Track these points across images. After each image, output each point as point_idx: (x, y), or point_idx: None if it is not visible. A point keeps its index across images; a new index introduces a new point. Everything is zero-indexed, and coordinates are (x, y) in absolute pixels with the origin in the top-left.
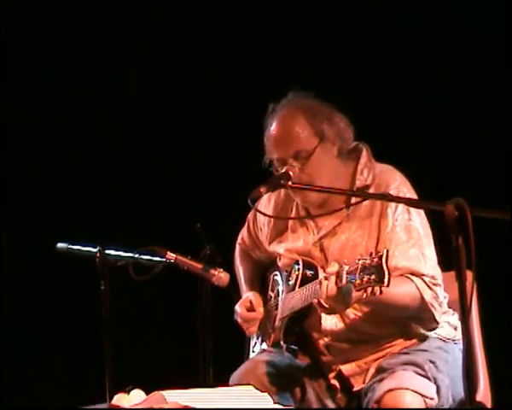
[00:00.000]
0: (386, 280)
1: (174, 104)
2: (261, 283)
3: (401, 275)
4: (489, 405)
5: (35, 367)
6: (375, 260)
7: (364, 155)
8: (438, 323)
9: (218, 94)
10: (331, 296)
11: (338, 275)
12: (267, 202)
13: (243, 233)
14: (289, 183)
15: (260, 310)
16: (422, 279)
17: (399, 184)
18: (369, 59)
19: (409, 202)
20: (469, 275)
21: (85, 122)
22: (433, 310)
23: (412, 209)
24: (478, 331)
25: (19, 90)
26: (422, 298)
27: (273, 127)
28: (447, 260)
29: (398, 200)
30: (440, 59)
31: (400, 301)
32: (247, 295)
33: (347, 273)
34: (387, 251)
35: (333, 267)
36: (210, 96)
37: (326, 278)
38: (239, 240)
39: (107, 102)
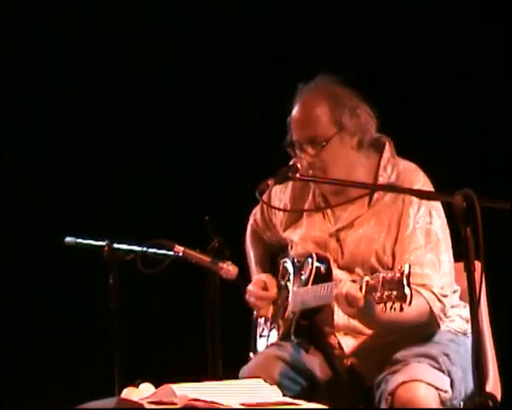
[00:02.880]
0: (408, 299)
1: (182, 94)
2: (271, 267)
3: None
4: (498, 396)
5: (44, 360)
6: (397, 275)
7: (387, 149)
8: (439, 327)
9: (228, 84)
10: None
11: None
12: (284, 187)
13: (256, 215)
14: (297, 175)
15: (274, 291)
16: (432, 292)
17: (422, 185)
18: (380, 49)
19: (417, 194)
20: (478, 266)
21: (94, 115)
22: (439, 321)
23: (434, 212)
24: (487, 322)
25: (24, 81)
26: (432, 312)
27: (295, 109)
28: (456, 251)
29: (408, 191)
30: (450, 51)
31: (411, 318)
32: (260, 276)
33: (367, 285)
34: (410, 266)
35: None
36: (220, 85)
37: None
38: (251, 220)
39: (112, 95)
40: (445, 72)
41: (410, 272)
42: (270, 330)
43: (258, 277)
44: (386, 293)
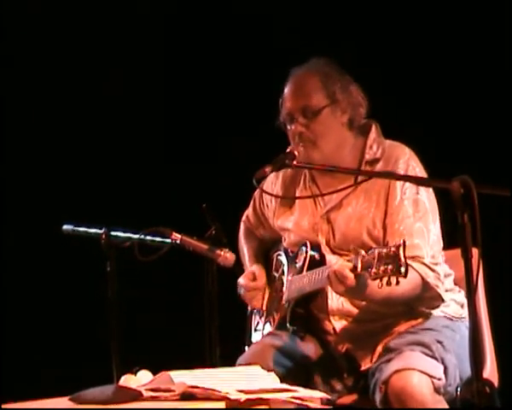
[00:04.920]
0: (403, 270)
1: (177, 88)
2: (264, 263)
3: None
4: (496, 382)
5: (42, 348)
6: (393, 249)
7: (374, 130)
8: (443, 300)
9: (222, 76)
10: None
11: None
12: (275, 178)
13: (248, 211)
14: (294, 162)
15: (263, 281)
16: (423, 263)
17: (409, 159)
18: (376, 40)
19: (415, 180)
20: (475, 252)
21: (91, 102)
22: (438, 290)
23: None
24: (484, 308)
25: (22, 75)
26: (426, 282)
27: (288, 84)
28: (453, 237)
29: (404, 178)
30: (445, 40)
31: (404, 292)
32: (251, 268)
33: (362, 262)
34: (404, 241)
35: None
36: (213, 77)
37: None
38: (244, 218)
39: (109, 88)
40: (443, 58)
41: (404, 245)
42: (265, 324)
43: (248, 270)
44: (382, 268)
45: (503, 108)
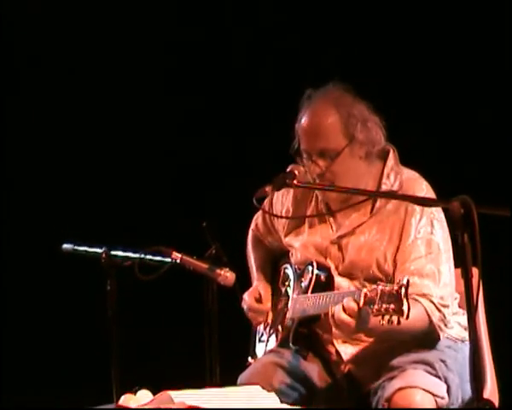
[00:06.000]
0: (405, 312)
1: (178, 103)
2: (272, 272)
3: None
4: (496, 402)
5: (41, 368)
6: (395, 288)
7: (391, 157)
8: (439, 338)
9: (225, 91)
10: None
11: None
12: (286, 192)
13: (258, 220)
14: (294, 181)
15: (268, 305)
16: (431, 301)
17: (425, 195)
18: (379, 55)
19: (415, 200)
20: (475, 272)
21: (91, 123)
22: (439, 331)
23: (436, 222)
24: (484, 328)
25: (24, 87)
26: (431, 321)
27: (305, 118)
28: (453, 257)
29: (407, 198)
30: (447, 56)
31: (409, 326)
32: (257, 284)
33: (365, 297)
34: (408, 281)
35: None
36: (218, 90)
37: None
38: (252, 226)
39: (111, 102)
40: (445, 76)
41: (408, 285)
42: (270, 336)
43: (254, 286)
44: (384, 306)
45: (505, 127)
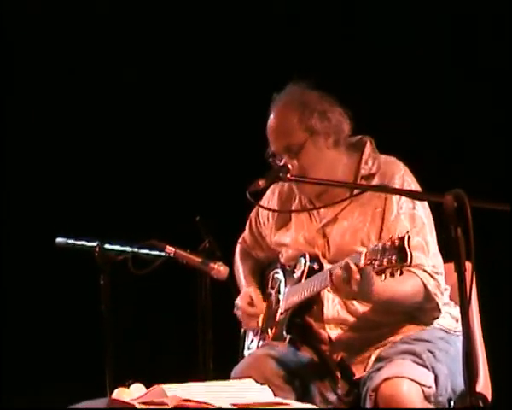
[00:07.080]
0: (408, 259)
1: (173, 98)
2: (260, 282)
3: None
4: (489, 396)
5: (35, 362)
6: (397, 241)
7: (368, 146)
8: (440, 311)
9: (218, 86)
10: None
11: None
12: (271, 195)
13: (244, 233)
14: (288, 175)
15: (262, 307)
16: (424, 270)
17: (404, 174)
18: (366, 53)
19: (408, 194)
20: (469, 266)
21: (86, 117)
22: (436, 299)
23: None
24: (478, 322)
25: (20, 86)
26: (427, 289)
27: (269, 121)
28: (447, 251)
29: (398, 192)
30: (437, 50)
31: (407, 296)
32: (247, 290)
33: (366, 255)
34: (408, 233)
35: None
36: (209, 88)
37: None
38: (240, 240)
39: (105, 97)
40: (436, 69)
41: (409, 237)
42: (259, 342)
43: (245, 291)
44: (385, 259)
45: (499, 120)
